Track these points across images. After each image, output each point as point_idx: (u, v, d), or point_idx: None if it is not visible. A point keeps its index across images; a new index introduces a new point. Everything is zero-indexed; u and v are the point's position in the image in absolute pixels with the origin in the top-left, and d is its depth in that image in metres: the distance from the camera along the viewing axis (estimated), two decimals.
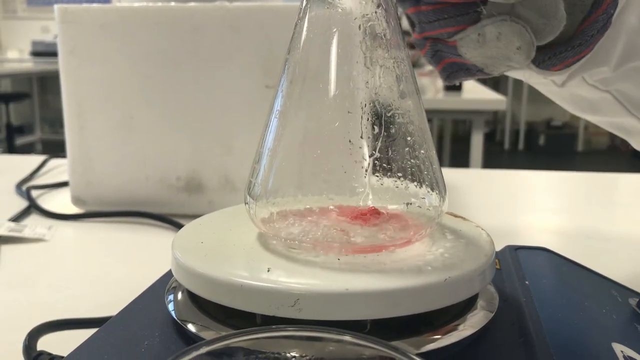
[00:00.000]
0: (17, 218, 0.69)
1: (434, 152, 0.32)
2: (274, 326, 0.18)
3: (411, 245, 0.29)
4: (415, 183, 0.30)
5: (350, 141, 0.29)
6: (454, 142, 3.99)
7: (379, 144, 0.29)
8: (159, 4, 0.67)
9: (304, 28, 0.31)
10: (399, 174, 0.29)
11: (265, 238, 0.31)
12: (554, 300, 0.31)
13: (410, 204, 0.30)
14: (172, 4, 0.67)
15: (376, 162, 0.29)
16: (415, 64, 3.90)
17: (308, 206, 0.30)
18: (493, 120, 5.65)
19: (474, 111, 2.27)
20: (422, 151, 0.31)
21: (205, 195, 0.69)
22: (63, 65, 0.69)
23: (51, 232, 0.65)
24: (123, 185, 0.71)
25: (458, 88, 2.40)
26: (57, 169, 0.96)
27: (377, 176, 0.29)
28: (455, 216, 0.35)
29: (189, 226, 0.33)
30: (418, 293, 0.25)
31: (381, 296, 0.24)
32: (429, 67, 3.67)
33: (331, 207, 0.30)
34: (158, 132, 0.69)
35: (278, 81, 0.32)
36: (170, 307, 0.30)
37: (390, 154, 0.29)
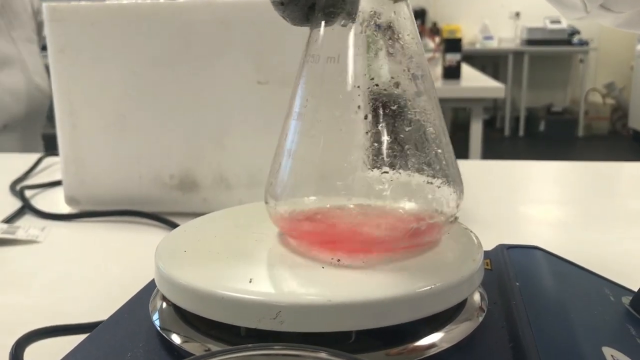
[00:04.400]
0: (11, 219, 0.69)
1: (451, 148, 0.32)
2: (249, 345, 0.18)
3: (398, 251, 0.28)
4: (433, 181, 0.30)
5: (367, 140, 0.29)
6: (454, 129, 3.98)
7: (398, 144, 0.29)
8: (149, 0, 0.66)
9: (321, 29, 0.31)
10: (418, 173, 0.30)
11: (249, 245, 0.30)
12: (545, 303, 0.31)
13: (428, 202, 0.30)
14: (162, 0, 0.66)
15: (394, 161, 0.29)
16: None
17: (326, 205, 0.30)
18: (493, 107, 5.63)
19: (472, 99, 2.26)
20: (440, 150, 0.30)
21: (199, 193, 0.69)
22: (53, 64, 0.68)
23: (44, 233, 0.65)
24: (117, 184, 0.70)
25: (457, 76, 2.38)
26: (53, 166, 0.95)
27: (396, 175, 0.29)
28: None
29: (174, 233, 0.32)
30: (402, 303, 0.24)
31: (364, 307, 0.24)
32: (427, 55, 3.65)
33: (350, 206, 0.29)
34: (150, 130, 0.68)
35: (296, 81, 0.32)
36: (155, 316, 0.29)
37: (408, 153, 0.29)
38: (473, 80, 2.51)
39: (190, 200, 0.69)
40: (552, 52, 5.33)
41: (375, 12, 0.30)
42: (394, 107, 0.30)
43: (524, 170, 0.97)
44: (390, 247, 0.29)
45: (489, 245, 0.45)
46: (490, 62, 5.55)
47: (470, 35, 5.50)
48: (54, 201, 0.75)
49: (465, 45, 5.02)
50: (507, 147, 5.16)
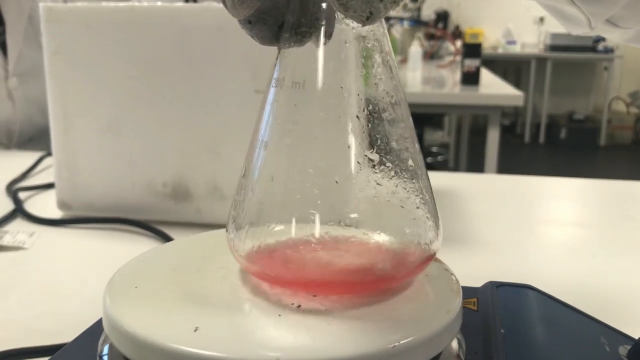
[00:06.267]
0: (1, 222, 0.68)
1: (429, 181, 0.29)
2: None
3: (365, 299, 0.26)
4: (412, 214, 0.28)
5: (341, 169, 0.27)
6: (473, 134, 3.93)
7: (372, 174, 0.27)
8: (146, 3, 0.64)
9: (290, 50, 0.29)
10: (395, 204, 0.27)
11: (207, 283, 0.28)
12: (530, 355, 0.28)
13: (407, 236, 0.27)
14: (159, 3, 0.64)
15: (370, 192, 0.27)
16: (434, 55, 3.84)
17: (293, 238, 0.27)
18: (514, 113, 5.56)
19: (490, 106, 2.21)
20: (419, 182, 0.28)
21: (192, 203, 0.67)
22: (48, 66, 0.67)
23: (32, 240, 0.63)
24: (109, 190, 0.68)
25: (475, 82, 2.34)
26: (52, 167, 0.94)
27: (371, 207, 0.27)
28: None
29: (131, 263, 0.30)
30: None
31: None
32: (448, 58, 3.61)
33: (318, 243, 0.27)
34: (144, 136, 0.66)
35: (262, 107, 0.30)
36: (104, 351, 0.27)
37: (385, 182, 0.27)
38: (492, 87, 2.46)
39: (183, 209, 0.67)
40: (576, 58, 5.25)
41: (357, 31, 0.28)
42: (371, 135, 0.27)
43: (540, 187, 0.93)
44: (360, 289, 0.27)
45: (490, 271, 0.42)
46: (512, 67, 5.48)
47: (492, 39, 5.43)
48: (48, 204, 0.74)
49: (488, 49, 4.96)
50: (527, 153, 5.09)
